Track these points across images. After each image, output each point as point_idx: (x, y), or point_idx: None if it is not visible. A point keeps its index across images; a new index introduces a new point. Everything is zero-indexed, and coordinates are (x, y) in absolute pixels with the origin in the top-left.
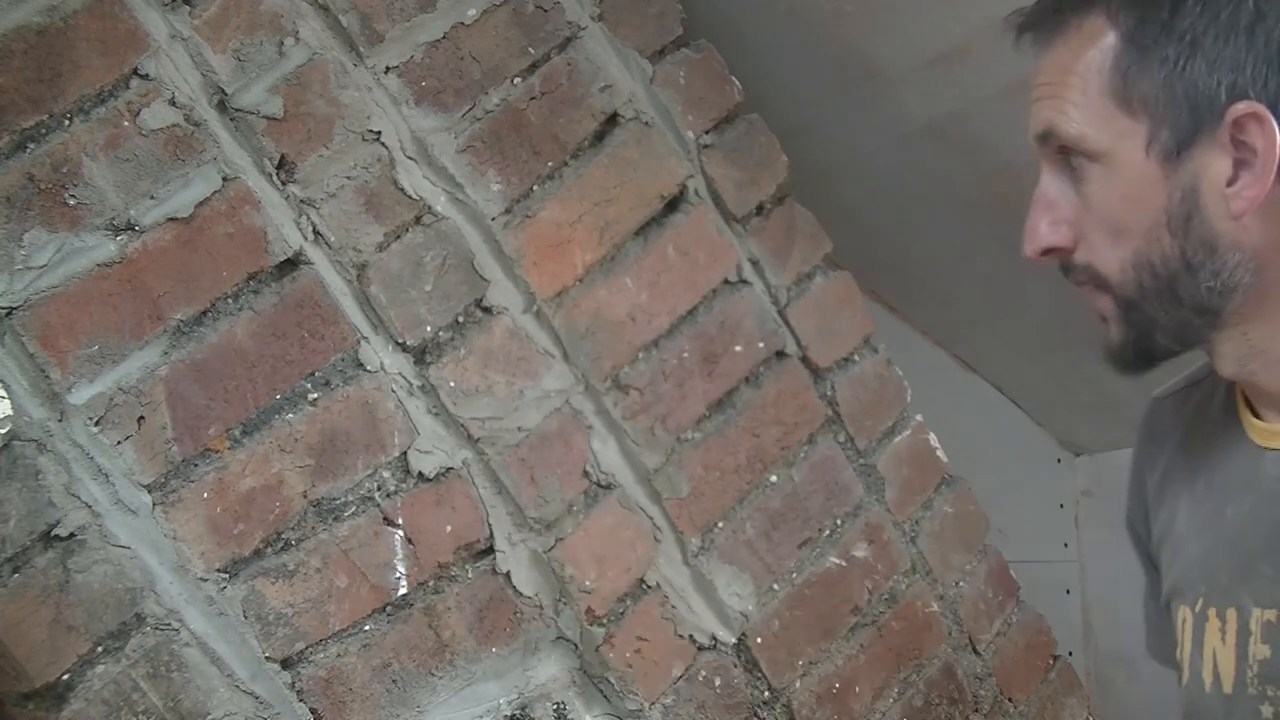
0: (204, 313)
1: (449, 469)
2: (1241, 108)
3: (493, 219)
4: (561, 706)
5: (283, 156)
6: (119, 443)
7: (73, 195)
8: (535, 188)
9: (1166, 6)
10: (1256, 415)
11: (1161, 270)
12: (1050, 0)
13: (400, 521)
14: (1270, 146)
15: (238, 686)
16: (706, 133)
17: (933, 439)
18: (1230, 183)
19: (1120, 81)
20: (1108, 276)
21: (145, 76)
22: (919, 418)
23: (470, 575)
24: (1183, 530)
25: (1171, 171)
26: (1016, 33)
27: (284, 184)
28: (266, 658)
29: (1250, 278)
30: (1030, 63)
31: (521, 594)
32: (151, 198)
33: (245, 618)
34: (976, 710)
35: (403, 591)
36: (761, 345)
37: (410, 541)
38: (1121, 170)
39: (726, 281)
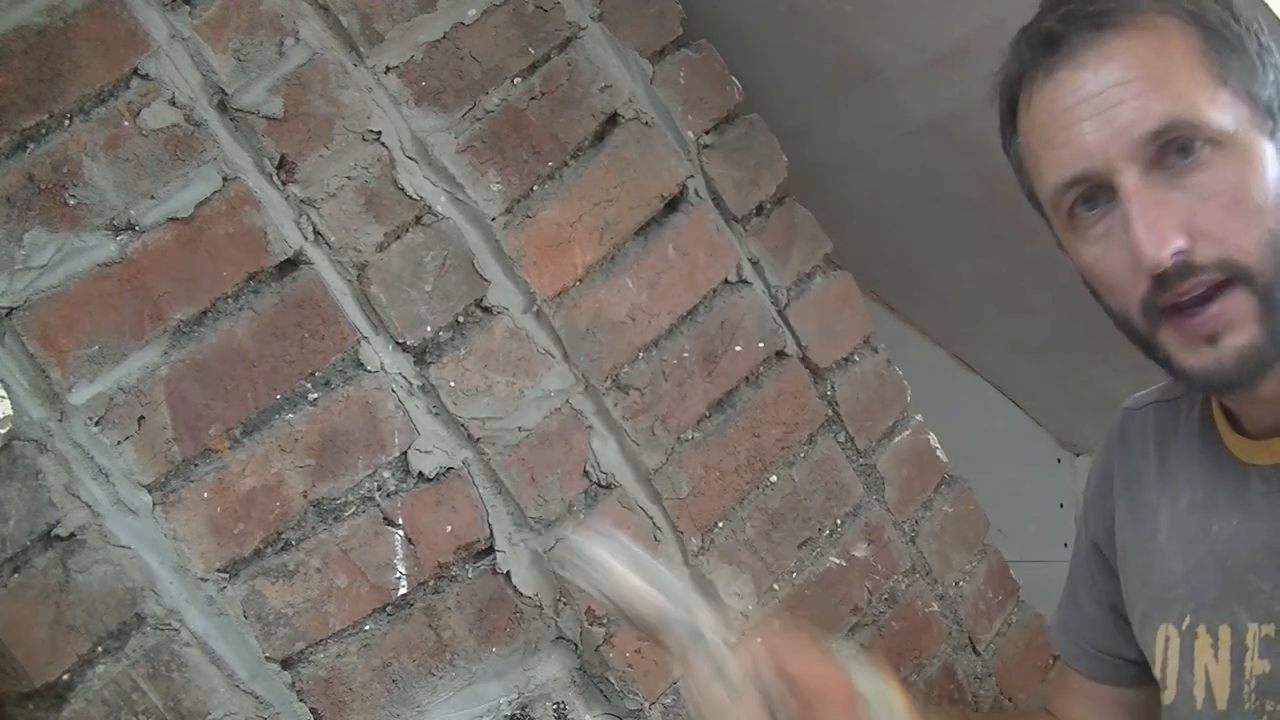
0: (204, 313)
1: (449, 469)
2: None
3: (493, 219)
4: (561, 706)
5: (283, 156)
6: (119, 443)
7: (73, 195)
8: (535, 188)
9: (1225, 5)
10: (1239, 432)
11: None
12: (1091, 12)
13: (400, 521)
14: None
15: (238, 686)
16: (706, 133)
17: (933, 439)
18: None
19: (1220, 67)
20: (1249, 264)
21: (145, 76)
22: (919, 418)
23: (470, 575)
24: (1163, 548)
25: (1278, 151)
26: (1050, 41)
27: (284, 184)
28: (266, 658)
29: None
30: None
31: (521, 594)
32: (151, 198)
33: (245, 618)
34: (976, 710)
35: (403, 591)
36: (761, 345)
37: (410, 541)
38: (1246, 149)
39: (726, 281)
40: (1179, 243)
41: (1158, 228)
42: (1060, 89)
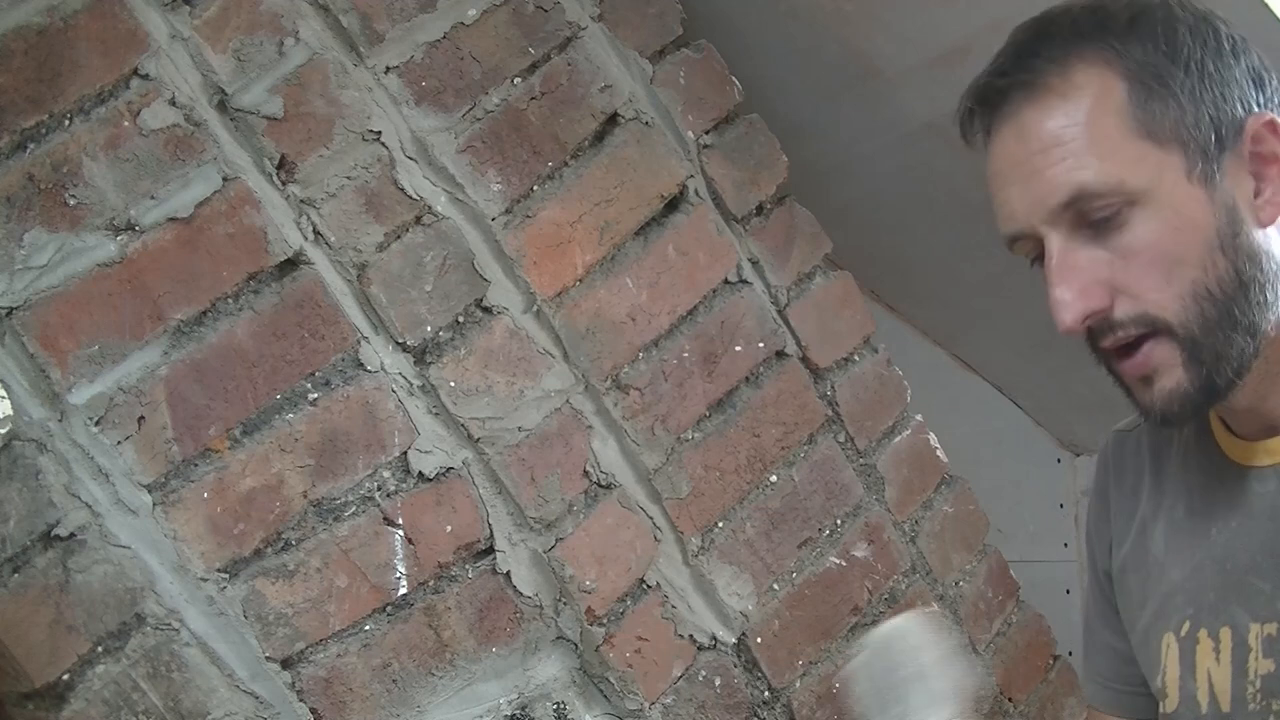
0: (204, 313)
1: (449, 469)
2: (1258, 119)
3: (493, 219)
4: (561, 706)
5: (283, 156)
6: (119, 443)
7: (73, 195)
8: (535, 188)
9: (1163, 40)
10: (1237, 434)
11: (1219, 295)
12: (1022, 65)
13: (400, 521)
14: None
15: (238, 686)
16: (706, 133)
17: (933, 439)
18: (1257, 194)
19: (1142, 116)
20: (1167, 318)
21: (145, 76)
22: (919, 418)
23: (470, 575)
24: (1160, 557)
25: (1213, 192)
26: (978, 110)
27: (284, 184)
28: (266, 658)
29: None
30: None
31: (521, 594)
32: (151, 198)
33: (245, 618)
34: (976, 710)
35: (403, 591)
36: (761, 345)
37: (410, 541)
38: (1167, 202)
39: (726, 281)
40: (1094, 304)
41: (1070, 293)
42: (995, 153)
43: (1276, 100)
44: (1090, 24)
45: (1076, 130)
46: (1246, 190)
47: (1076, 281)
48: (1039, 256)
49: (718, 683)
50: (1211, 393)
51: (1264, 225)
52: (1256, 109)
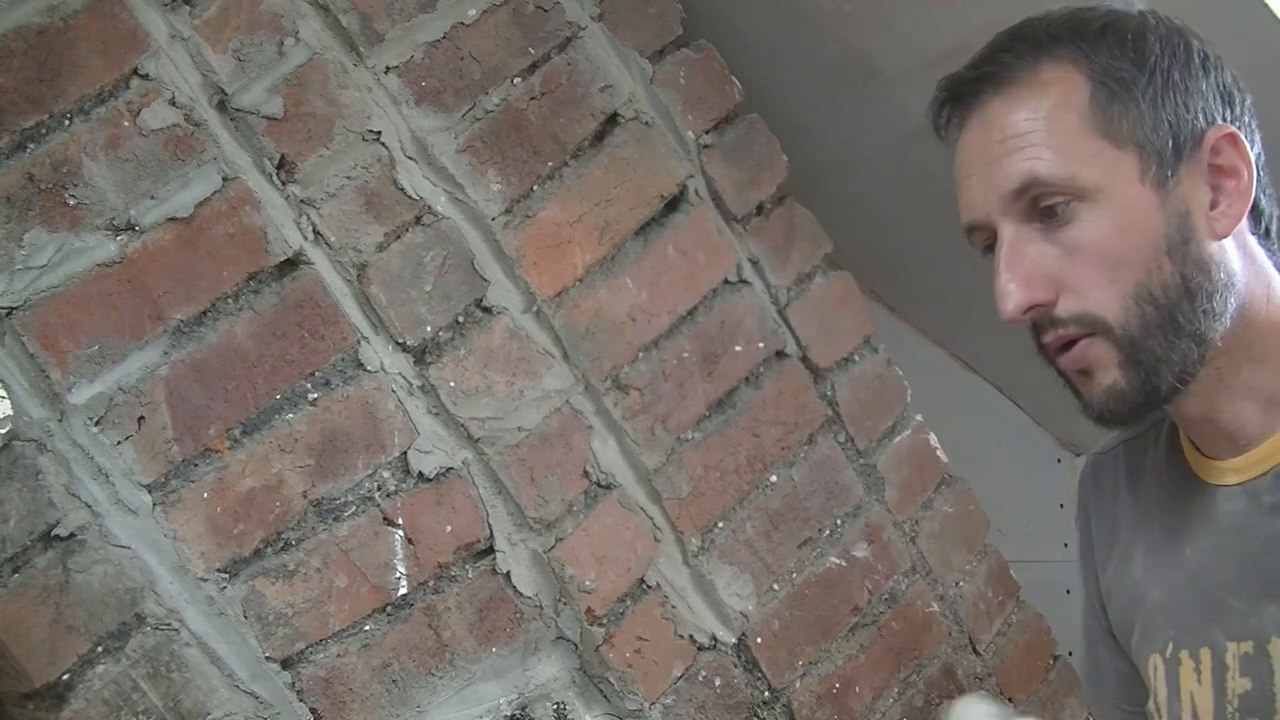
0: (204, 313)
1: (449, 469)
2: (1218, 131)
3: (493, 219)
4: (561, 706)
5: (283, 156)
6: (119, 443)
7: (73, 195)
8: (535, 188)
9: (1131, 47)
10: (1204, 454)
11: (1163, 299)
12: (995, 60)
13: (400, 521)
14: (1247, 164)
15: (238, 686)
16: (706, 133)
17: (933, 439)
18: (1213, 205)
19: (1102, 117)
20: (1107, 317)
21: (145, 76)
22: (919, 418)
23: (470, 575)
24: (1140, 579)
25: (1165, 198)
26: (949, 102)
27: (284, 184)
28: (266, 658)
29: (1233, 301)
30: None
31: (521, 594)
32: (151, 198)
33: (245, 618)
34: None
35: (403, 591)
36: (761, 345)
37: (410, 541)
38: (1117, 202)
39: (726, 281)
40: (1039, 296)
41: (1015, 283)
42: (962, 144)
43: (1245, 119)
44: (1065, 28)
45: (1038, 123)
46: (1202, 200)
47: (1022, 272)
48: (991, 246)
49: (718, 683)
50: (1152, 395)
51: (1218, 237)
52: (1220, 122)
